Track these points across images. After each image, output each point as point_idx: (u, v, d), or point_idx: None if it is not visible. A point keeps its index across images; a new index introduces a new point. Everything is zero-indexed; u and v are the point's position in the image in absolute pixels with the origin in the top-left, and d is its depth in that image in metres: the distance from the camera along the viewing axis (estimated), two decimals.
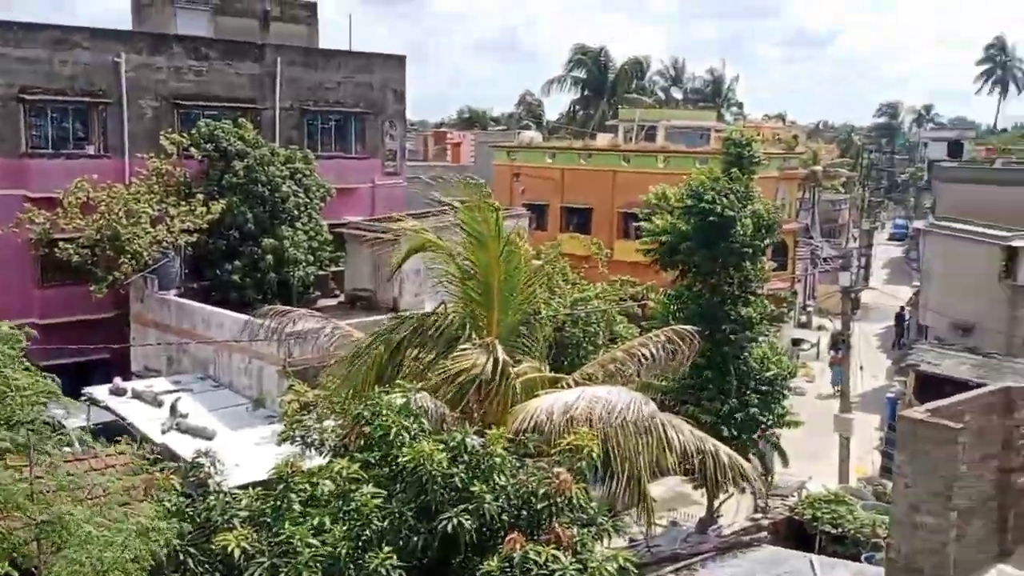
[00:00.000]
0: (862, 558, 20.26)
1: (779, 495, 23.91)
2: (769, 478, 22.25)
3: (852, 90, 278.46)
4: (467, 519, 9.16)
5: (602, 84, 70.78)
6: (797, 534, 22.04)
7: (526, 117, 74.68)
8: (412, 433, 10.08)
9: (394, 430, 10.02)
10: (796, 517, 22.19)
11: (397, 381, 11.81)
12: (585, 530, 9.64)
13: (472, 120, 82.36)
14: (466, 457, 9.70)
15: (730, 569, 16.67)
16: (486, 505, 9.29)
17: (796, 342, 46.82)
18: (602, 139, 49.96)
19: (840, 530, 21.27)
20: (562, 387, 13.38)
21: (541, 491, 9.54)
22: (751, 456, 20.77)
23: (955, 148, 66.62)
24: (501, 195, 48.26)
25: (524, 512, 9.64)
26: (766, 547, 18.51)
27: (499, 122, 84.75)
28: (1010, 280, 37.55)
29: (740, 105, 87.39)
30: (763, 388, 20.52)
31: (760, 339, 20.84)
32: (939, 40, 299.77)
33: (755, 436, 20.76)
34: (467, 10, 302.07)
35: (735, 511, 22.91)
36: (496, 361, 11.85)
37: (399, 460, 9.68)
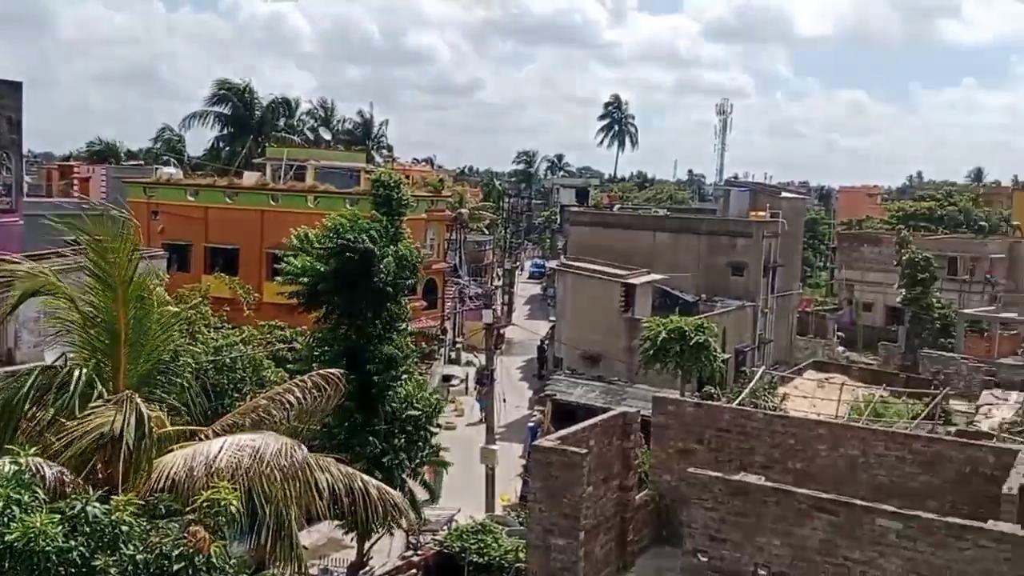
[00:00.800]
0: None
1: (430, 530, 24.42)
2: (420, 515, 22.61)
3: (493, 138, 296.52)
4: None
5: (248, 121, 69.04)
6: (448, 567, 22.62)
7: (165, 152, 70.80)
8: (24, 506, 8.96)
9: (1, 504, 8.84)
10: (446, 550, 22.77)
11: (7, 446, 10.50)
12: None
13: (104, 154, 76.49)
14: (87, 528, 8.80)
15: None
16: None
17: (447, 378, 48.42)
18: (249, 177, 48.60)
19: (487, 559, 22.13)
20: (202, 439, 12.67)
21: (176, 553, 8.92)
22: (400, 492, 21.00)
23: (582, 194, 73.24)
24: (136, 234, 45.16)
25: None
26: None
27: (136, 156, 79.55)
28: (628, 314, 41.82)
29: (390, 148, 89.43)
30: (408, 427, 20.89)
31: (404, 377, 21.22)
32: (563, 96, 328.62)
33: (403, 477, 21.05)
34: (98, 37, 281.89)
35: (388, 551, 23.02)
36: (128, 417, 10.93)
37: (6, 538, 8.54)
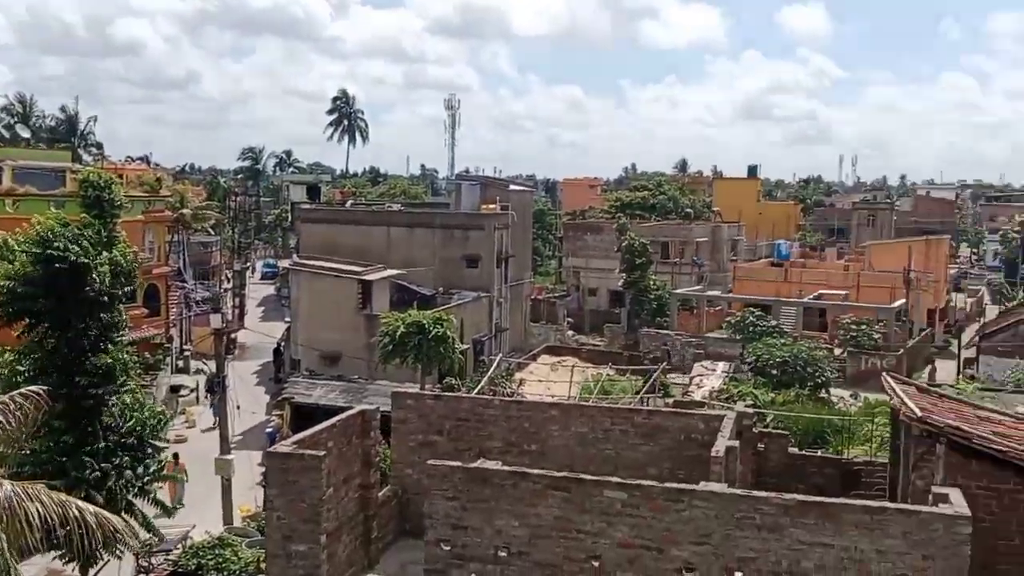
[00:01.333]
0: None
1: (163, 550, 23.03)
2: (158, 535, 21.23)
3: (215, 134, 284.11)
4: None
5: None
6: None
7: None
8: None
9: None
10: (181, 570, 21.57)
11: None
12: None
13: None
14: None
15: None
16: None
17: (175, 388, 45.80)
18: None
19: (226, 574, 21.21)
20: None
21: None
22: (128, 517, 19.59)
23: (313, 191, 71.86)
24: None
25: None
26: None
27: None
28: (365, 310, 41.60)
29: (100, 146, 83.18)
30: (131, 443, 19.50)
31: (123, 390, 19.77)
32: (288, 91, 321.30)
33: (130, 498, 19.63)
34: None
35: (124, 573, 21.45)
36: None
37: None
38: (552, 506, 11.13)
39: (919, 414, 12.39)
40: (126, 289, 19.44)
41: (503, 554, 11.31)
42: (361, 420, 14.59)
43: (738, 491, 10.82)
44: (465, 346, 41.52)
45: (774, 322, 52.51)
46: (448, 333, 33.33)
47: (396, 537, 15.49)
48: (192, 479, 30.52)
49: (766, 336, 48.32)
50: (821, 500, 10.39)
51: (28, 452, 16.93)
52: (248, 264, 77.98)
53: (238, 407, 34.37)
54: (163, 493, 20.94)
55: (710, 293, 61.01)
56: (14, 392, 13.23)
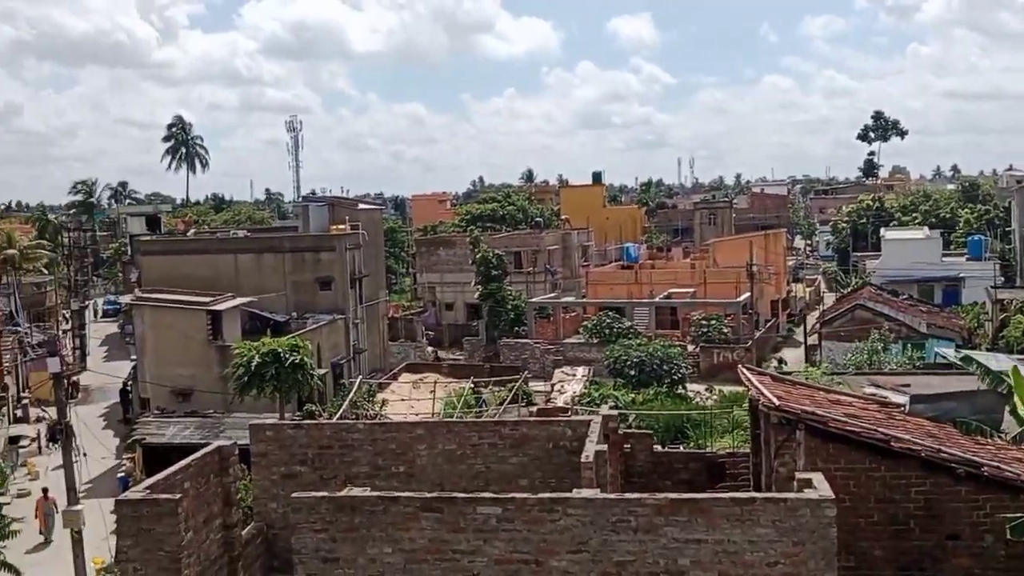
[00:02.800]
0: None
1: None
2: None
3: (42, 169, 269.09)
4: None
5: None
6: None
7: None
8: None
9: None
10: None
11: None
12: None
13: None
14: None
15: None
16: None
17: (15, 439, 42.76)
18: None
19: None
20: None
21: None
22: None
23: (153, 222, 68.74)
24: None
25: None
26: None
27: None
28: (216, 341, 40.03)
29: None
30: None
31: None
32: (118, 120, 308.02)
33: None
34: None
35: None
36: None
37: None
38: (425, 528, 10.84)
39: (776, 403, 12.77)
40: None
41: None
42: (218, 457, 13.88)
43: (611, 495, 10.84)
44: (324, 370, 40.60)
45: (628, 323, 53.84)
46: (305, 359, 32.48)
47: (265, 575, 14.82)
48: (37, 534, 28.59)
49: (622, 338, 49.46)
50: (692, 496, 10.53)
51: None
52: (87, 303, 73.86)
53: (84, 454, 32.34)
54: (10, 551, 19.37)
55: (565, 299, 62.00)
56: None
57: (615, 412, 16.49)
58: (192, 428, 35.86)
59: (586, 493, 10.87)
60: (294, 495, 11.28)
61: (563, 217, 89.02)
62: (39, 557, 25.55)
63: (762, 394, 13.75)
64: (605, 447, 13.09)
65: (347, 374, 45.82)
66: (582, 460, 12.28)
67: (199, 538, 12.69)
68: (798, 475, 11.36)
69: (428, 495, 11.25)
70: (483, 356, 56.94)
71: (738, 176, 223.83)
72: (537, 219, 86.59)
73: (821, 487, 10.62)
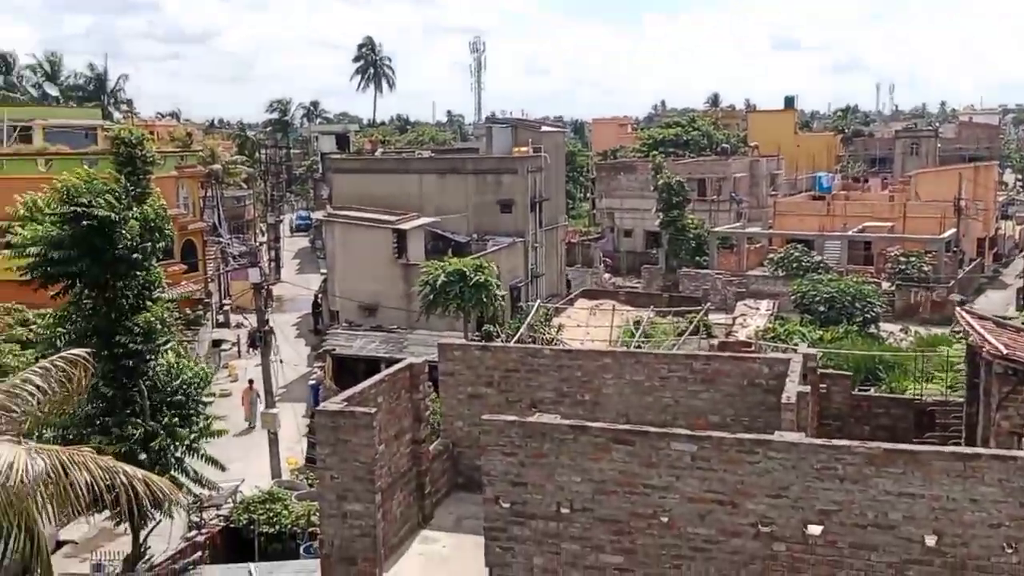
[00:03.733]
0: (301, 550, 20.33)
1: (213, 505, 22.96)
2: (203, 492, 21.07)
3: (242, 87, 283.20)
4: None
5: None
6: (237, 542, 21.40)
7: None
8: None
9: None
10: (232, 525, 21.49)
11: None
12: None
13: None
14: None
15: None
16: None
17: (217, 343, 45.89)
18: None
19: (277, 528, 21.09)
20: None
21: None
22: (178, 475, 19.40)
23: (342, 141, 70.95)
24: None
25: None
26: (202, 568, 17.50)
27: None
28: (401, 260, 41.11)
29: (130, 103, 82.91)
30: (177, 400, 19.24)
31: (165, 348, 19.45)
32: (312, 41, 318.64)
33: (178, 455, 19.42)
34: None
35: (169, 535, 21.37)
36: None
37: None
38: (616, 460, 10.56)
39: (1004, 351, 11.63)
40: (158, 245, 18.96)
41: (566, 510, 10.81)
42: (409, 374, 14.08)
43: (816, 440, 10.17)
44: (503, 292, 41.00)
45: (818, 257, 51.39)
46: (489, 280, 32.74)
47: (450, 491, 15.09)
48: (238, 434, 30.54)
49: (810, 272, 47.30)
50: (909, 448, 9.72)
51: (73, 414, 16.68)
52: (281, 217, 77.72)
53: (280, 360, 34.22)
54: (213, 446, 20.71)
55: (750, 230, 59.82)
56: (55, 356, 12.87)
57: (814, 351, 15.59)
58: (378, 342, 37.18)
59: (789, 436, 10.25)
60: (484, 417, 11.23)
61: (751, 144, 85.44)
62: (242, 447, 27.21)
63: (985, 340, 12.57)
64: (808, 389, 12.35)
65: (524, 297, 46.15)
66: (783, 401, 11.62)
67: (390, 451, 12.96)
68: None
69: (620, 427, 10.95)
70: (662, 285, 56.02)
71: (942, 104, 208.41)
72: (723, 145, 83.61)
73: None
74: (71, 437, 17.13)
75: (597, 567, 10.73)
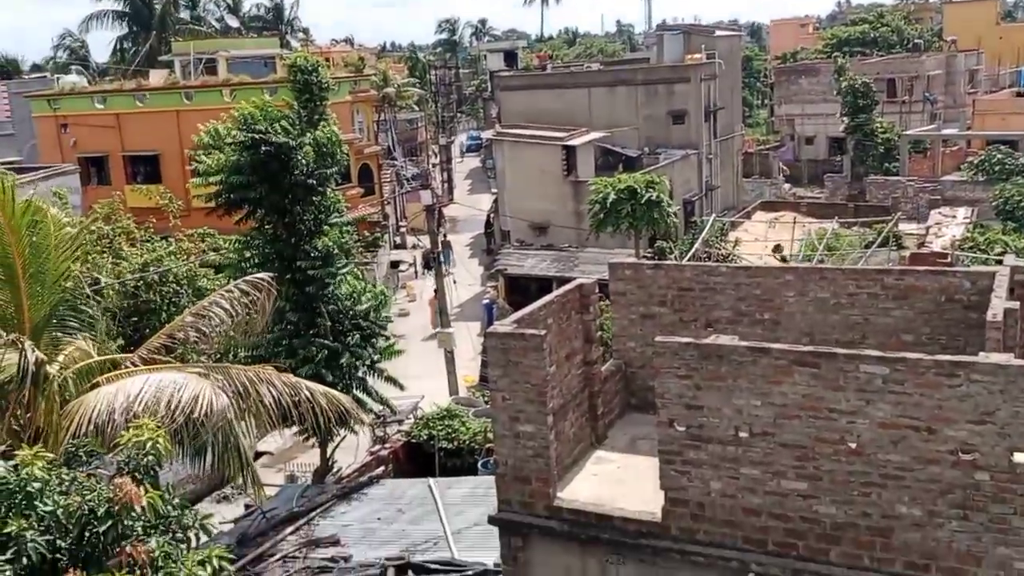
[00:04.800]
0: (479, 465, 20.82)
1: (395, 421, 23.86)
2: (384, 409, 21.90)
3: (411, 10, 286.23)
4: (7, 569, 7.33)
5: (147, 16, 64.69)
6: (418, 456, 22.16)
7: (68, 61, 66.48)
8: None
9: None
10: (413, 440, 22.24)
11: None
12: (165, 539, 8.22)
13: (4, 69, 71.89)
14: None
15: (351, 514, 16.06)
16: (29, 544, 7.49)
17: (395, 264, 47.39)
18: (157, 76, 45.77)
19: (456, 443, 21.65)
20: (126, 369, 11.60)
21: (102, 511, 7.90)
22: (361, 393, 20.19)
23: (510, 58, 70.47)
24: (49, 151, 42.71)
25: (87, 536, 7.96)
26: (385, 482, 18.21)
27: (41, 69, 74.97)
28: (571, 177, 40.70)
29: (306, 31, 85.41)
30: (360, 322, 19.88)
31: (344, 271, 20.04)
32: None
33: (360, 375, 20.16)
34: None
35: (356, 448, 22.42)
36: (27, 360, 9.76)
37: None
38: (799, 383, 9.94)
39: None
40: (333, 169, 19.40)
41: (744, 435, 10.34)
42: (579, 294, 13.80)
43: None
44: (675, 207, 39.99)
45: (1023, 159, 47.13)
46: (661, 196, 31.91)
47: (622, 412, 14.86)
48: (416, 352, 31.45)
49: (1015, 176, 43.44)
50: None
51: (261, 336, 17.53)
52: (452, 138, 78.68)
53: (455, 281, 34.90)
54: (393, 365, 21.42)
55: (946, 132, 55.48)
56: (240, 280, 13.42)
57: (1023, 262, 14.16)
58: (548, 261, 37.23)
59: (996, 358, 9.32)
60: (658, 339, 10.84)
61: (947, 38, 78.73)
62: (414, 372, 28.06)
63: None
64: (1017, 305, 11.21)
65: (699, 211, 44.88)
66: (988, 318, 10.58)
67: (561, 372, 12.82)
68: None
69: (804, 348, 10.29)
70: (847, 195, 53.08)
71: None
72: (915, 41, 77.47)
73: None
74: (259, 359, 18.05)
75: (778, 493, 10.27)
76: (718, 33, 54.50)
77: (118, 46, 67.06)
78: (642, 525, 11.18)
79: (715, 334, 11.76)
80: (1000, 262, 15.73)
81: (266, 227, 19.11)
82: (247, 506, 17.98)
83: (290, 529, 15.42)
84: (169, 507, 8.51)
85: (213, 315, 12.50)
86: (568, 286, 13.75)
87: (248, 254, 19.33)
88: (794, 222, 39.14)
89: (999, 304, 10.96)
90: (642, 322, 14.67)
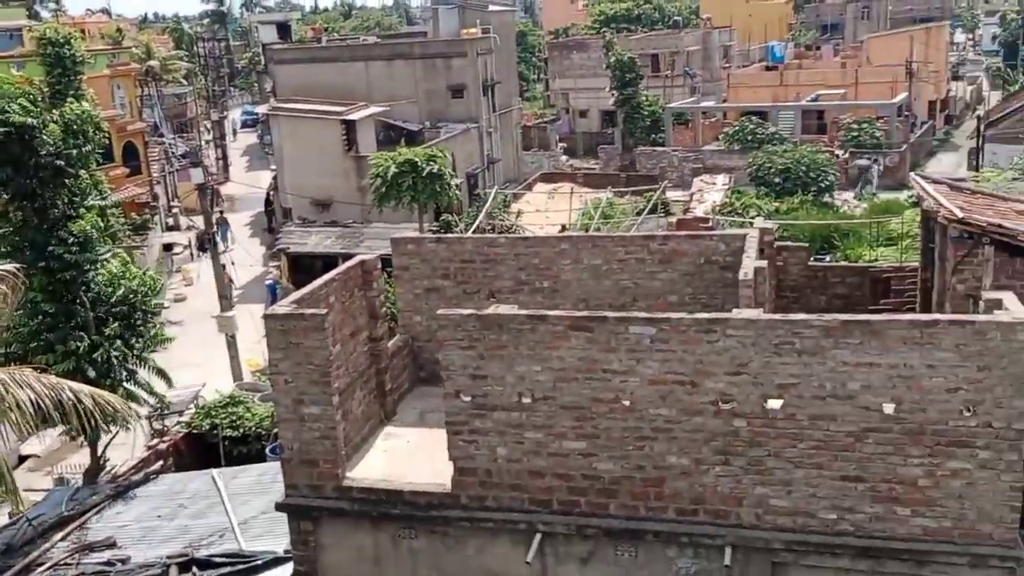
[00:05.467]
0: (267, 451, 20.32)
1: (175, 412, 22.81)
2: (160, 399, 20.82)
3: None
4: None
5: None
6: (200, 447, 21.34)
7: None
8: None
9: None
10: (195, 431, 21.38)
11: None
12: None
13: None
14: None
15: (128, 514, 15.24)
16: None
17: (168, 247, 45.04)
18: None
19: (241, 431, 21.02)
20: None
21: None
22: (131, 386, 19.09)
23: (284, 30, 68.28)
24: None
25: None
26: (165, 477, 17.40)
27: None
28: (352, 152, 40.17)
29: (58, 0, 78.87)
30: (123, 310, 18.70)
31: (104, 256, 18.76)
32: None
33: (130, 367, 19.02)
34: None
35: (132, 444, 21.22)
36: None
37: None
38: (575, 347, 10.39)
39: (960, 215, 11.49)
40: (87, 148, 18.06)
41: (527, 400, 10.69)
42: (361, 271, 13.70)
43: (775, 316, 10.04)
44: (458, 180, 40.41)
45: (772, 129, 51.11)
46: (443, 169, 32.11)
47: (412, 386, 14.95)
48: (196, 338, 30.16)
49: (766, 144, 47.10)
50: (866, 319, 9.62)
51: (11, 332, 16.18)
52: (226, 113, 75.42)
53: (232, 263, 33.63)
54: (173, 352, 20.39)
55: (704, 104, 59.22)
56: None
57: (772, 224, 15.40)
58: (333, 238, 36.66)
59: (747, 313, 10.11)
60: (440, 312, 10.96)
61: (703, 16, 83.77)
62: (193, 360, 26.90)
63: (940, 204, 12.42)
64: (765, 264, 12.18)
65: (482, 184, 45.59)
66: (740, 277, 11.45)
67: (347, 350, 12.70)
68: (985, 295, 10.25)
69: (578, 314, 10.75)
70: (619, 165, 55.61)
71: None
72: (675, 18, 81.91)
73: (1014, 308, 9.54)
74: (14, 356, 16.67)
75: (560, 454, 10.71)
76: (492, 8, 55.26)
77: None
78: (432, 497, 11.32)
79: (496, 304, 12.03)
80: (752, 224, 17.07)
81: (14, 213, 17.56)
82: (10, 515, 16.67)
83: (60, 535, 14.44)
84: None
85: None
86: (349, 263, 13.63)
87: None
88: (571, 192, 40.57)
89: (750, 264, 11.88)
90: (427, 296, 14.78)
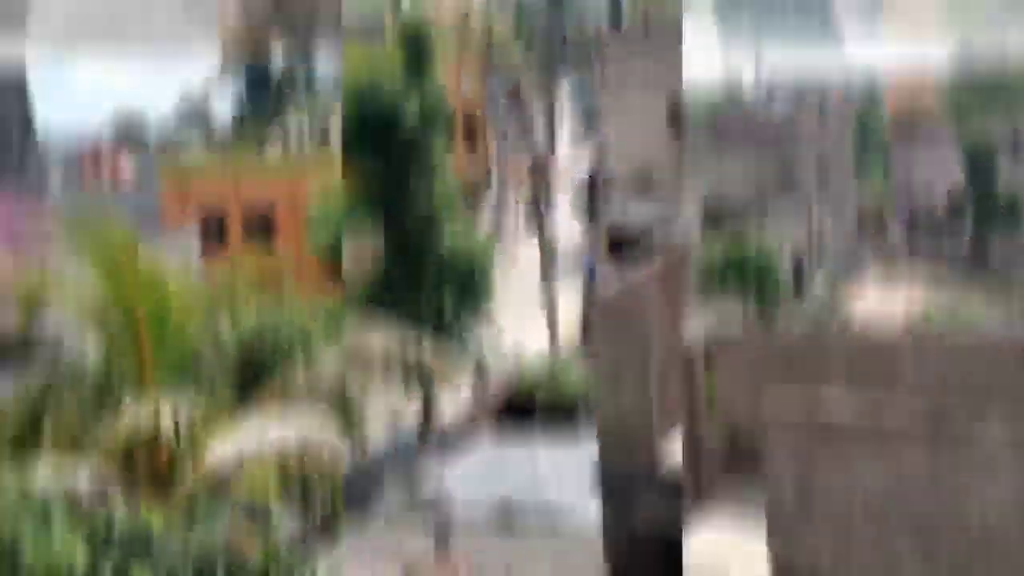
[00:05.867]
0: (582, 419, 20.79)
1: (500, 373, 23.77)
2: (486, 361, 22.22)
3: None
4: None
5: None
6: (519, 408, 22.06)
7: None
8: (37, 524, 8.17)
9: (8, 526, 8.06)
10: (516, 393, 22.25)
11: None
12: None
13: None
14: (116, 537, 8.21)
15: (458, 470, 16.53)
16: None
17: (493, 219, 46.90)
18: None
19: (555, 398, 21.46)
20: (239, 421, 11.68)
21: (219, 559, 8.35)
22: (460, 343, 20.64)
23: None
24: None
25: None
26: (487, 435, 18.42)
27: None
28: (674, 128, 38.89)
29: None
30: (463, 272, 20.15)
31: (450, 224, 20.37)
32: None
33: (466, 326, 20.54)
34: None
35: (459, 400, 22.61)
36: (163, 413, 9.97)
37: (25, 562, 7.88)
38: (914, 454, 9.77)
39: None
40: (437, 124, 19.52)
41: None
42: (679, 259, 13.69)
43: None
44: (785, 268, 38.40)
45: None
46: (773, 264, 31.23)
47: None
48: (516, 307, 31.51)
49: None
50: None
51: (365, 289, 17.84)
52: (557, 95, 75.92)
53: (553, 239, 34.63)
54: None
55: None
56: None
57: None
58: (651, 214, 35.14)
59: None
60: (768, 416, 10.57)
61: None
62: (515, 326, 27.63)
63: None
64: None
65: (807, 267, 42.68)
66: None
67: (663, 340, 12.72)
68: None
69: (918, 414, 10.11)
70: (966, 255, 50.18)
71: None
72: None
73: None
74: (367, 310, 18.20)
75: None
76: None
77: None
78: None
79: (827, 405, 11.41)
80: None
81: (373, 182, 19.11)
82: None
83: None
84: (282, 554, 8.87)
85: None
86: (668, 254, 13.66)
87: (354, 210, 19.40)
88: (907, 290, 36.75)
89: None
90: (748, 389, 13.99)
